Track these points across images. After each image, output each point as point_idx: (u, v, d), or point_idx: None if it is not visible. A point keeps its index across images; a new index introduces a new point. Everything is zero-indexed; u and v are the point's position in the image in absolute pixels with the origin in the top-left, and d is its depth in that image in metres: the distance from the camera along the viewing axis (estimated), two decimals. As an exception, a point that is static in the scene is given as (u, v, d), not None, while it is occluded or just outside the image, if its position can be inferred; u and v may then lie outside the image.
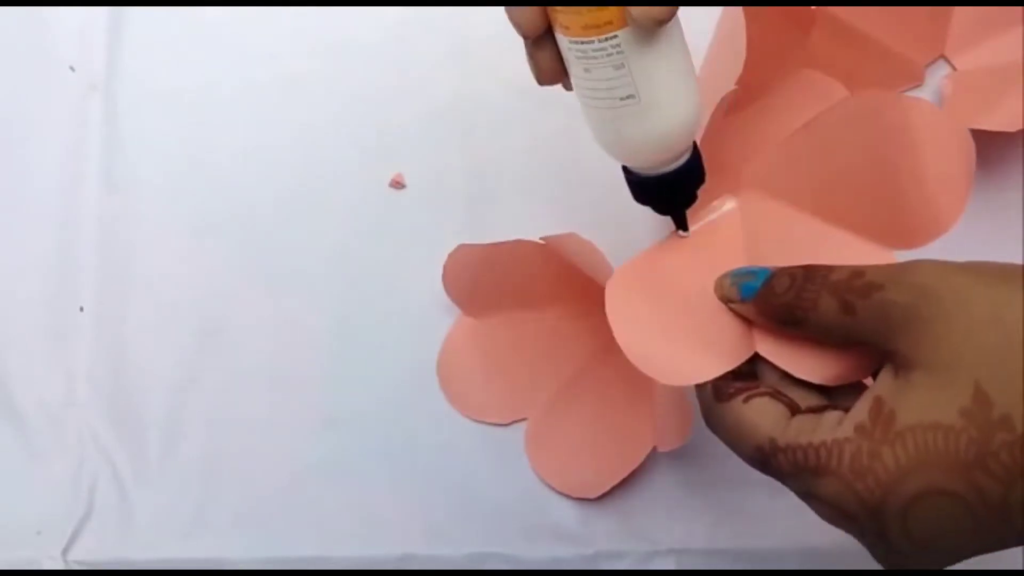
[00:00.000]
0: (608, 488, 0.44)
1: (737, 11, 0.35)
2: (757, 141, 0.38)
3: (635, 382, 0.41)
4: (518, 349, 0.46)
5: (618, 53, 0.28)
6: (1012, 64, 0.44)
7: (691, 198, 0.33)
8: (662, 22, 0.27)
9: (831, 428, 0.27)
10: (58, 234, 0.48)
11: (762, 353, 0.31)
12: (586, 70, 0.29)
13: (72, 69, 0.49)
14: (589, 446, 0.45)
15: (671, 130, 0.30)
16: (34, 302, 0.47)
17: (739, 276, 0.32)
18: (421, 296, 0.46)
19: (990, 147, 0.48)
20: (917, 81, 0.47)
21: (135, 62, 0.49)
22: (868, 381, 0.30)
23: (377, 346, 0.47)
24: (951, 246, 0.47)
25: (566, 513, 0.45)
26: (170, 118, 0.49)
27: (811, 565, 0.43)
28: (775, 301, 0.30)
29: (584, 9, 0.28)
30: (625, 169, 0.33)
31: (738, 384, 0.30)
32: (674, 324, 0.32)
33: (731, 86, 0.35)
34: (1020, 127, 0.41)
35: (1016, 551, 0.26)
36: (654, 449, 0.43)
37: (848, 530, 0.28)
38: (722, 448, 0.31)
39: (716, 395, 0.30)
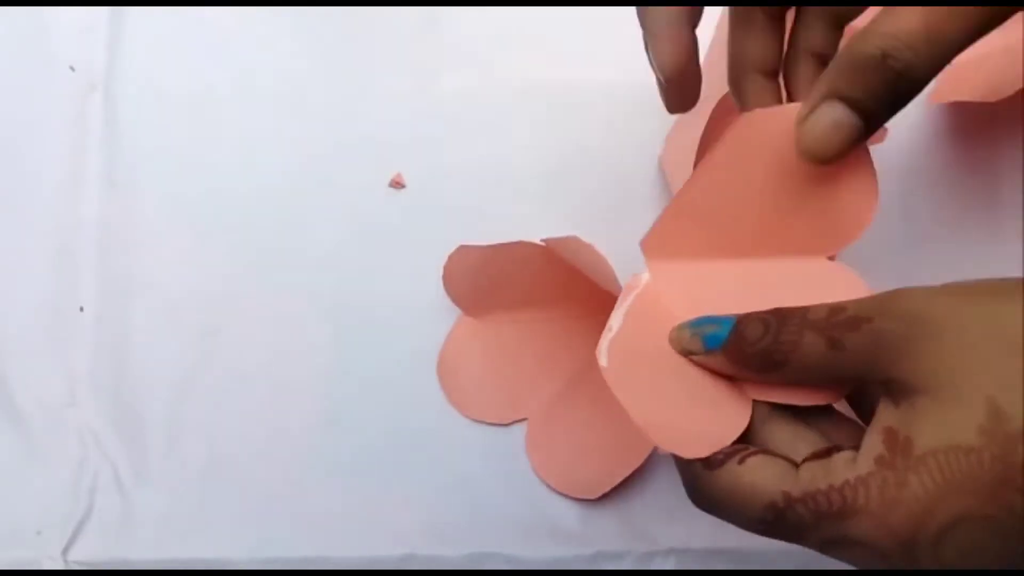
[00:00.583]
0: (608, 488, 0.44)
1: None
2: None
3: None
4: (519, 350, 0.46)
5: None
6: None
7: None
8: None
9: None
10: (58, 234, 0.47)
11: (752, 396, 0.30)
12: None
13: (72, 69, 0.49)
14: (589, 446, 0.45)
15: None
16: (34, 302, 0.47)
17: (700, 327, 0.30)
18: (421, 296, 0.46)
19: (990, 147, 0.48)
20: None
21: (135, 62, 0.49)
22: (837, 406, 0.30)
23: (377, 346, 0.47)
24: (952, 247, 0.48)
25: (566, 513, 0.45)
26: (170, 118, 0.49)
27: (811, 565, 0.43)
28: (749, 349, 0.28)
29: None
30: None
31: (727, 448, 0.29)
32: (676, 391, 0.30)
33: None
34: (996, 98, 0.42)
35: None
36: (654, 449, 0.43)
37: (879, 567, 0.27)
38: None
39: (706, 463, 0.29)
